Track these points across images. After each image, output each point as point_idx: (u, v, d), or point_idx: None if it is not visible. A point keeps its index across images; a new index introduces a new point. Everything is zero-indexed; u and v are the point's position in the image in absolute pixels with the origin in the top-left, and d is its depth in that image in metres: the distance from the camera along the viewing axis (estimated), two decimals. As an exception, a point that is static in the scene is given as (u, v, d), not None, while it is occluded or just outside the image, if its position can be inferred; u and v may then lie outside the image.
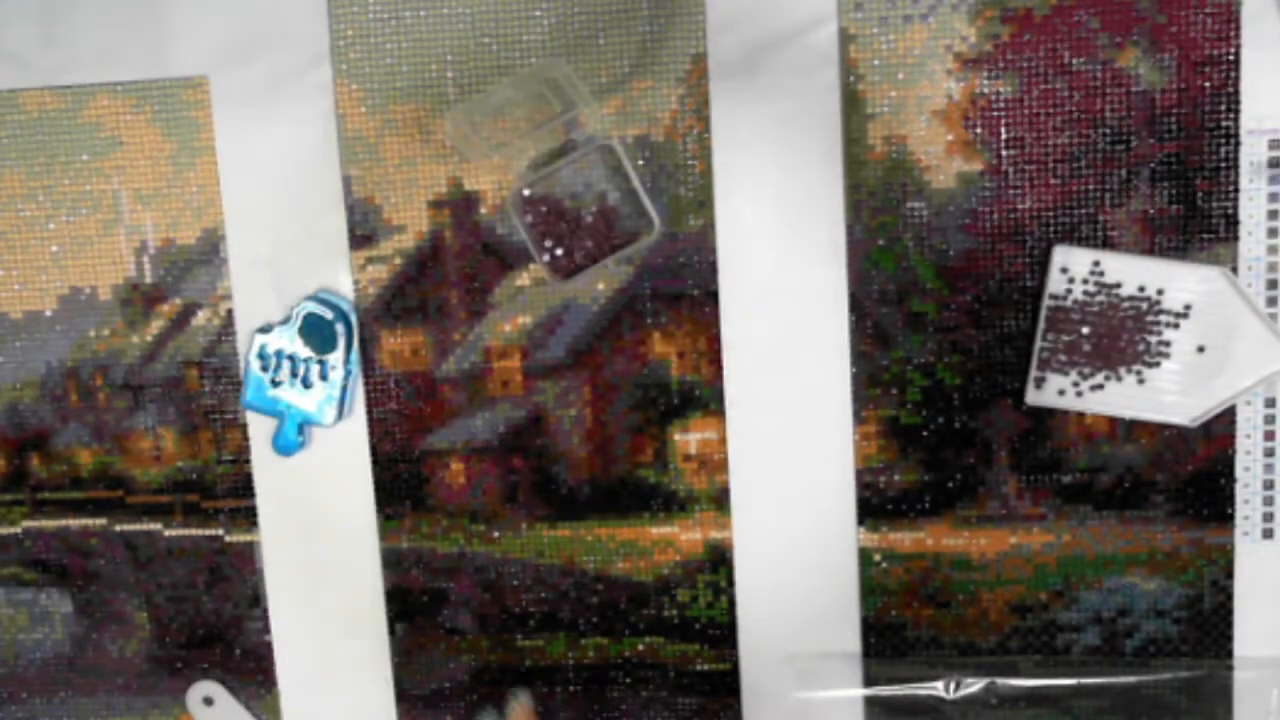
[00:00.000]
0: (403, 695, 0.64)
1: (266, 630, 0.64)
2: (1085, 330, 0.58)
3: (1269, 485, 0.59)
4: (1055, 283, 0.58)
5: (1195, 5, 0.56)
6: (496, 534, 0.63)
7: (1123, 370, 0.58)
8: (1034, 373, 0.59)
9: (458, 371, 0.61)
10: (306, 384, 0.61)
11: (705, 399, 0.61)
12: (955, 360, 0.60)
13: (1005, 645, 0.62)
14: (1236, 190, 0.57)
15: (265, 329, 0.61)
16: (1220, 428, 0.59)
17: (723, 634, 0.62)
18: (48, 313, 0.63)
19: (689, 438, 0.61)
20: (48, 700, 0.67)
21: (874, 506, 0.61)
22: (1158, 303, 0.58)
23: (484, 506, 0.62)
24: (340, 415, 0.61)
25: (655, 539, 0.62)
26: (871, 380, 0.60)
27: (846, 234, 0.59)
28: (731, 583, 0.62)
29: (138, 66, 0.61)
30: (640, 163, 0.59)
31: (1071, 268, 0.58)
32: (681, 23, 0.58)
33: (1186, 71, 0.57)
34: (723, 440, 0.61)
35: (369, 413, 0.62)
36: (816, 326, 0.60)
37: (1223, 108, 0.57)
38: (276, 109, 0.60)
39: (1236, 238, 0.58)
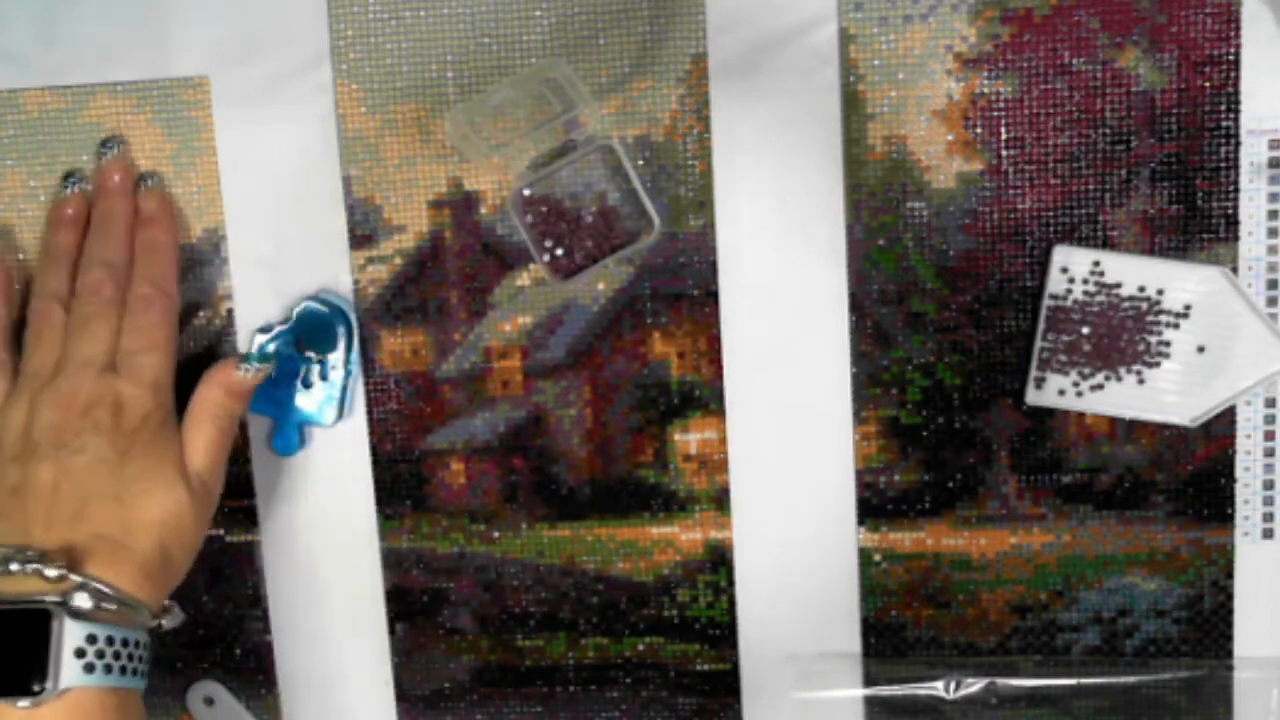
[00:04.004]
0: (403, 695, 0.64)
1: (267, 630, 0.64)
2: (1085, 330, 0.58)
3: (1269, 485, 0.59)
4: (1055, 283, 0.58)
5: (1195, 5, 0.56)
6: (496, 534, 0.63)
7: (1123, 370, 0.58)
8: (1034, 373, 0.59)
9: (458, 371, 0.62)
10: (306, 384, 0.61)
11: (705, 399, 0.61)
12: (955, 360, 0.60)
13: (1005, 645, 0.62)
14: (1236, 190, 0.58)
15: (265, 329, 0.61)
16: (1220, 428, 0.59)
17: (723, 634, 0.62)
18: (48, 313, 0.63)
19: (689, 438, 0.61)
20: (48, 700, 0.66)
21: (874, 506, 0.61)
22: (1158, 303, 0.58)
23: (484, 506, 0.62)
24: (340, 415, 0.61)
25: (655, 539, 0.62)
26: (871, 380, 0.60)
27: (846, 234, 0.59)
28: (731, 583, 0.62)
29: (138, 66, 0.61)
30: (640, 163, 0.59)
31: (1071, 268, 0.58)
32: (681, 23, 0.58)
33: (1186, 71, 0.57)
34: (723, 440, 0.61)
35: (369, 413, 0.62)
36: (816, 326, 0.60)
37: (1223, 108, 0.57)
38: (277, 109, 0.60)
39: (1236, 238, 0.58)
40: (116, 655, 0.50)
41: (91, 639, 0.50)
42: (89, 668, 0.49)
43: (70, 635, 0.49)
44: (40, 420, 0.54)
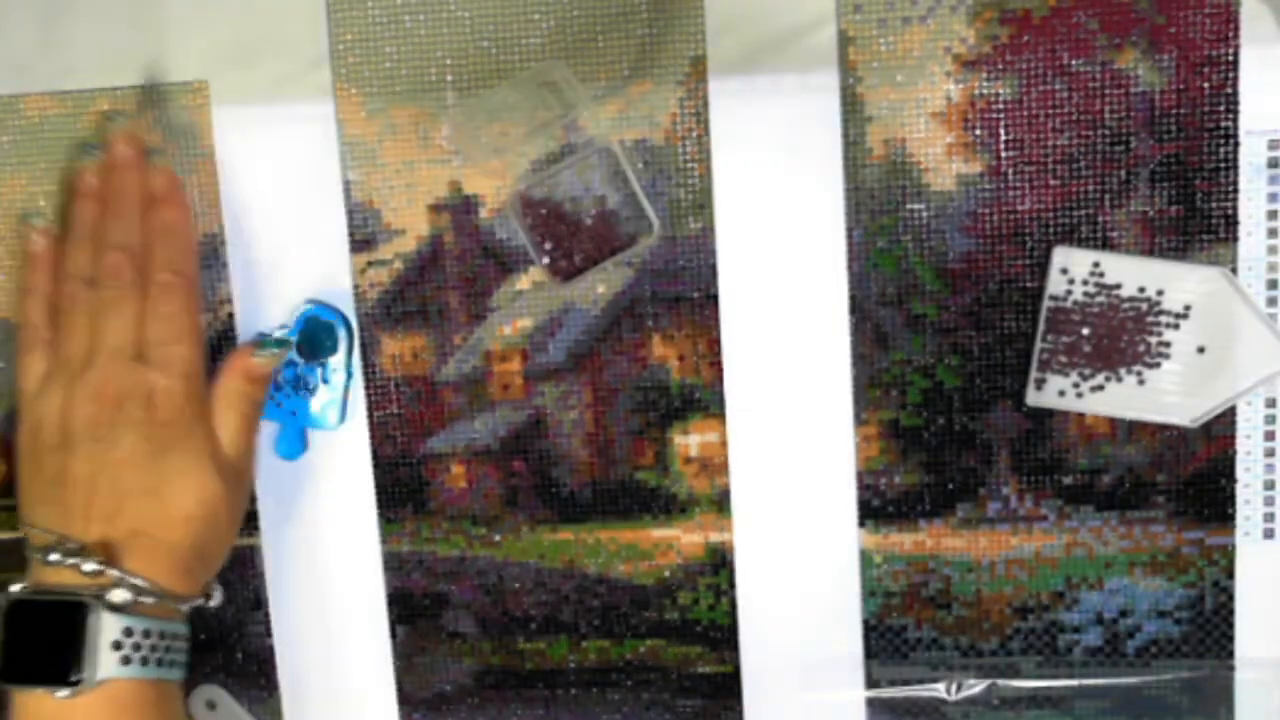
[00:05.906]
0: (404, 698, 0.64)
1: (268, 634, 0.64)
2: (1085, 331, 0.58)
3: (1269, 485, 0.59)
4: (1055, 284, 0.58)
5: (1194, 5, 0.56)
6: (498, 537, 0.63)
7: (1123, 371, 0.58)
8: (1034, 374, 0.59)
9: (458, 375, 0.62)
10: (309, 388, 0.61)
11: (705, 401, 0.61)
12: (955, 362, 0.60)
13: (1007, 646, 0.62)
14: (1236, 190, 0.57)
15: (265, 333, 0.61)
16: (1220, 428, 0.59)
17: (724, 636, 0.62)
18: (49, 318, 0.63)
19: (689, 440, 0.61)
20: (50, 704, 0.67)
21: (874, 508, 0.61)
22: (1158, 303, 0.58)
23: (485, 510, 0.62)
24: (342, 419, 0.61)
25: (656, 541, 0.62)
26: (872, 382, 0.60)
27: (846, 236, 0.59)
28: (733, 585, 0.62)
29: (138, 71, 0.61)
30: (640, 165, 0.59)
31: (1071, 269, 0.58)
32: (680, 25, 0.58)
33: (1186, 72, 0.57)
34: (723, 443, 0.61)
35: (370, 417, 0.62)
36: (816, 329, 0.60)
37: (1222, 108, 0.57)
38: (276, 113, 0.60)
39: (1236, 238, 0.58)
40: (154, 648, 0.51)
41: (128, 632, 0.51)
42: (126, 660, 0.50)
43: (107, 628, 0.50)
44: (76, 411, 0.54)
